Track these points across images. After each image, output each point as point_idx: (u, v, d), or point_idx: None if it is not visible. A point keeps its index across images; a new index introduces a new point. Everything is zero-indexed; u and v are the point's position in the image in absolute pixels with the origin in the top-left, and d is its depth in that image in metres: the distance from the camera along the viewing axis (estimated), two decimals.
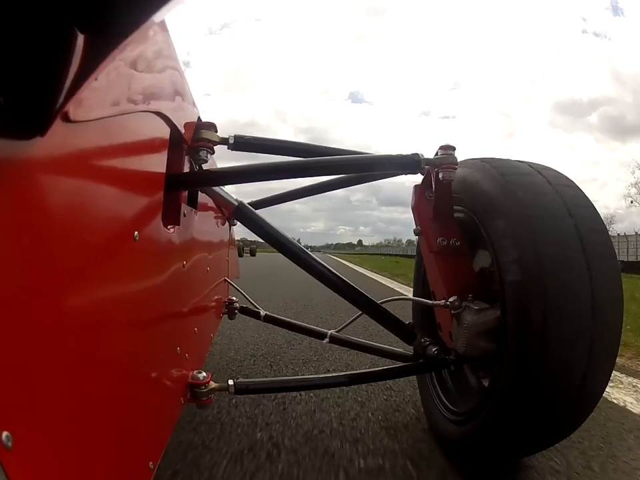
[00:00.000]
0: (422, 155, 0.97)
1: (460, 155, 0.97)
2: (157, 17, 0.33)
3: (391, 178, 1.20)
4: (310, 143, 1.41)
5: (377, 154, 1.06)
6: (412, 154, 0.97)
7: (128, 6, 0.29)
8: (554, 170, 0.94)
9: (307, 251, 0.95)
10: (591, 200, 0.87)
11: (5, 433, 0.29)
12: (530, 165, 0.95)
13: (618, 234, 23.54)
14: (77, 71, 0.30)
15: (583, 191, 0.88)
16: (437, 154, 0.97)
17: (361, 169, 1.07)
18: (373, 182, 1.37)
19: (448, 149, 0.96)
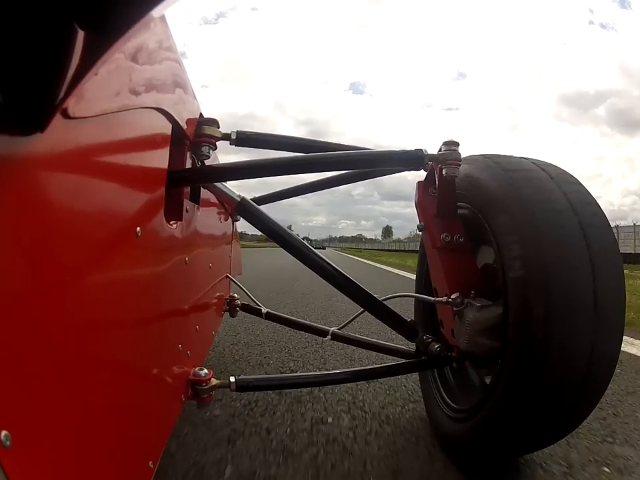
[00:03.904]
0: (425, 151, 0.96)
1: (463, 148, 0.96)
2: (157, 12, 0.32)
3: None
4: (312, 138, 1.39)
5: (380, 149, 1.05)
6: (415, 150, 0.96)
7: (128, 1, 0.29)
8: (557, 167, 0.93)
9: (310, 246, 0.95)
10: (594, 197, 0.87)
11: (3, 432, 0.28)
12: (534, 161, 0.94)
13: (634, 224, 22.59)
14: (76, 66, 0.30)
15: (587, 187, 0.88)
16: (440, 150, 0.97)
17: (364, 164, 1.06)
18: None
19: (452, 145, 0.95)
